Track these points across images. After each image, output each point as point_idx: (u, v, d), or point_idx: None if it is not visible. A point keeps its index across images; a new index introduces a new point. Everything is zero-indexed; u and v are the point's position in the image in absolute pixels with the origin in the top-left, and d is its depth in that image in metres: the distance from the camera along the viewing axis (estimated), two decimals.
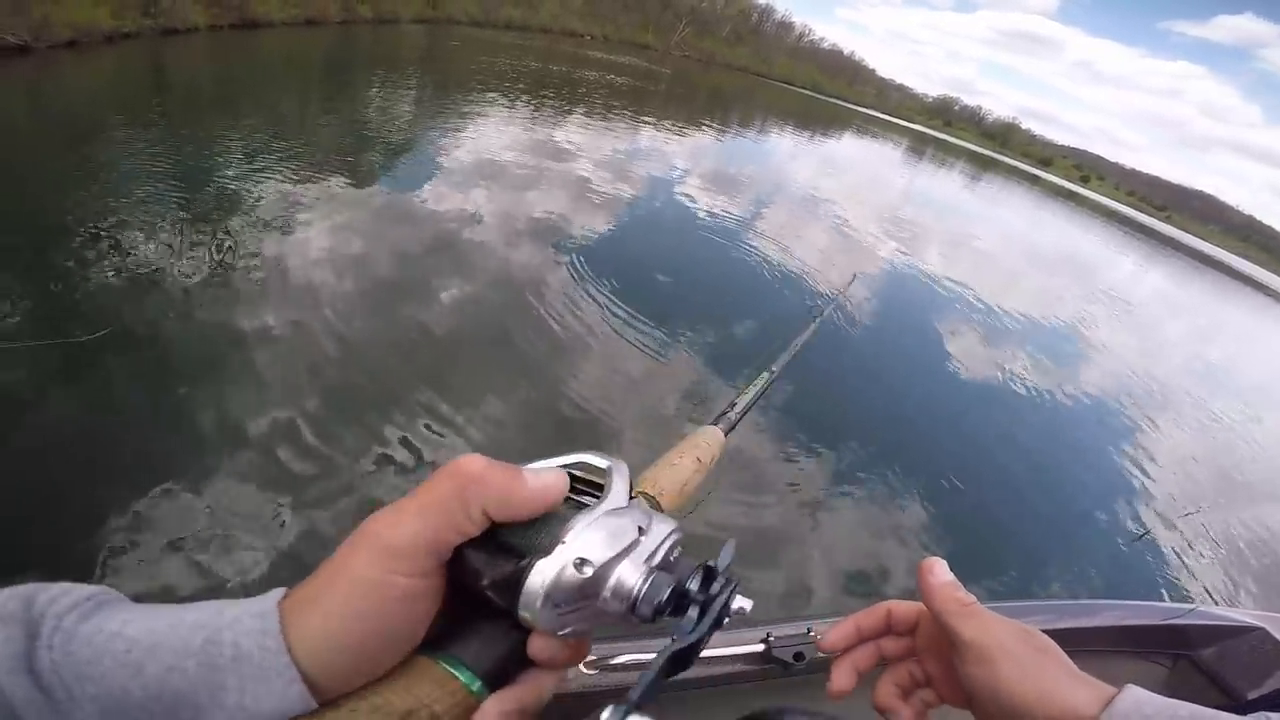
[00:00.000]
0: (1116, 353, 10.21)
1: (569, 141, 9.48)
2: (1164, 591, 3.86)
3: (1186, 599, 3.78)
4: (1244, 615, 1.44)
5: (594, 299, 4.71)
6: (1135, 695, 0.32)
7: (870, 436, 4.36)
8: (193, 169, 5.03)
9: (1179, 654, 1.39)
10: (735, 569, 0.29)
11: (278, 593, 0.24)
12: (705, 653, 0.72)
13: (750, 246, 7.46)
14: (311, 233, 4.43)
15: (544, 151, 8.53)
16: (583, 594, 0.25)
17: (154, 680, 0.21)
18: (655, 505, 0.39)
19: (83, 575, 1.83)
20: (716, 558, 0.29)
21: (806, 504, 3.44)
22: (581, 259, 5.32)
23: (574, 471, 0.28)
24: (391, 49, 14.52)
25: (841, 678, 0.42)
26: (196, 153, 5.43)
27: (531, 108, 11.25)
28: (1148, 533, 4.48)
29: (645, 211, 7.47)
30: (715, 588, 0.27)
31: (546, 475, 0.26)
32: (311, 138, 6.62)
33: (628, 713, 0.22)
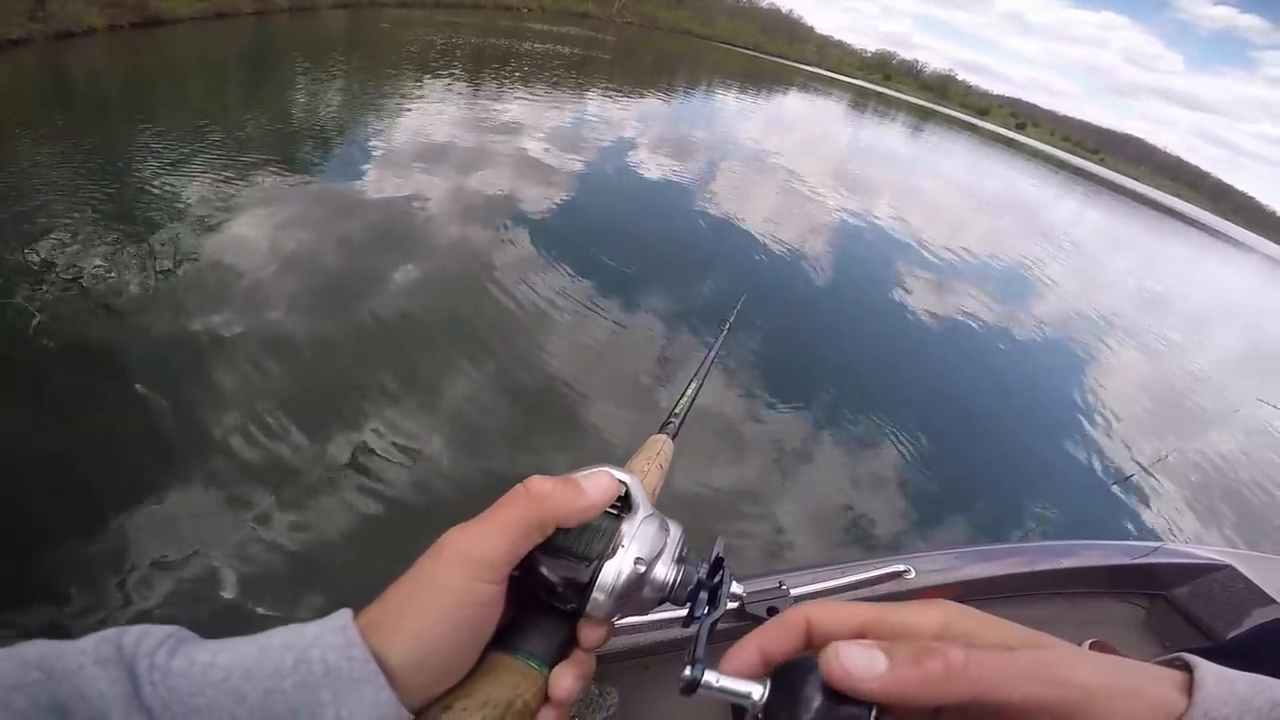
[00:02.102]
0: (1068, 289, 10.62)
1: (514, 116, 9.16)
2: (1130, 527, 3.97)
3: (1153, 536, 3.90)
4: (1210, 552, 1.48)
5: (546, 278, 4.59)
6: (1213, 671, 0.25)
7: (833, 389, 4.42)
8: (112, 179, 4.67)
9: (1154, 594, 1.43)
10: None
11: (345, 611, 0.26)
12: (677, 612, 0.73)
13: (703, 213, 7.36)
14: (248, 231, 4.21)
15: (488, 128, 8.21)
16: (636, 587, 0.30)
17: (257, 705, 0.22)
18: None
19: (62, 592, 1.87)
20: (710, 550, 0.35)
21: (780, 458, 3.50)
22: (531, 237, 5.17)
23: None
24: (315, 37, 13.69)
25: (744, 656, 0.30)
26: (113, 162, 5.03)
27: (472, 85, 10.82)
28: (1117, 472, 4.63)
29: (596, 184, 7.29)
30: (718, 576, 0.33)
31: (600, 479, 0.31)
32: (238, 135, 6.18)
33: (702, 667, 0.27)
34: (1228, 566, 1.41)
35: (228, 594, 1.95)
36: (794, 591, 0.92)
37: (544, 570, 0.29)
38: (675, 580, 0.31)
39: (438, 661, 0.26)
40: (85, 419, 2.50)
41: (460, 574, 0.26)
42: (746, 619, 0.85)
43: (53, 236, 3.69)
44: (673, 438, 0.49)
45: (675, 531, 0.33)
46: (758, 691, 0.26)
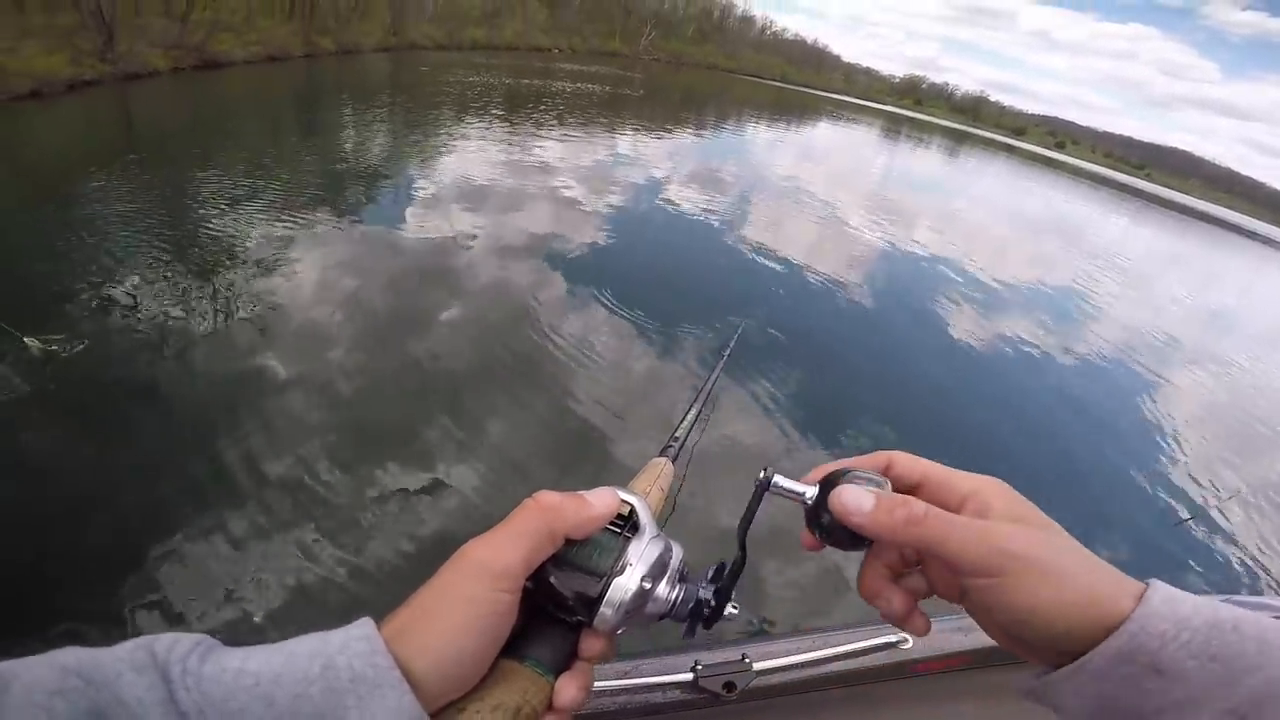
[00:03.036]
0: (1120, 312, 10.04)
1: (549, 156, 9.27)
2: (1189, 577, 3.59)
3: (1217, 589, 3.50)
4: (1260, 602, 1.27)
5: (590, 312, 4.59)
6: (1164, 591, 0.28)
7: (885, 418, 4.25)
8: (178, 217, 4.87)
9: None
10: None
11: (367, 619, 0.27)
12: (631, 680, 0.75)
13: (732, 248, 7.21)
14: (304, 272, 4.30)
15: (524, 167, 8.31)
16: (641, 604, 0.32)
17: (285, 709, 0.24)
18: None
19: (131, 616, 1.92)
20: (713, 568, 0.37)
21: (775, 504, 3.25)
22: (575, 275, 5.15)
23: None
24: (360, 79, 14.33)
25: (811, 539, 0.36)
26: (179, 200, 5.25)
27: (509, 124, 11.06)
28: (1188, 518, 4.21)
29: (628, 222, 7.23)
30: (715, 598, 0.35)
31: (604, 496, 0.33)
32: (292, 175, 6.43)
33: (772, 470, 0.36)
34: None
35: (268, 619, 1.99)
36: (757, 666, 0.84)
37: (555, 583, 0.31)
38: (677, 598, 0.33)
39: (457, 669, 0.27)
40: (140, 450, 2.57)
41: (480, 585, 0.28)
42: (700, 692, 0.77)
43: (120, 273, 3.82)
44: (673, 461, 0.50)
45: (678, 552, 0.35)
46: (811, 492, 0.35)
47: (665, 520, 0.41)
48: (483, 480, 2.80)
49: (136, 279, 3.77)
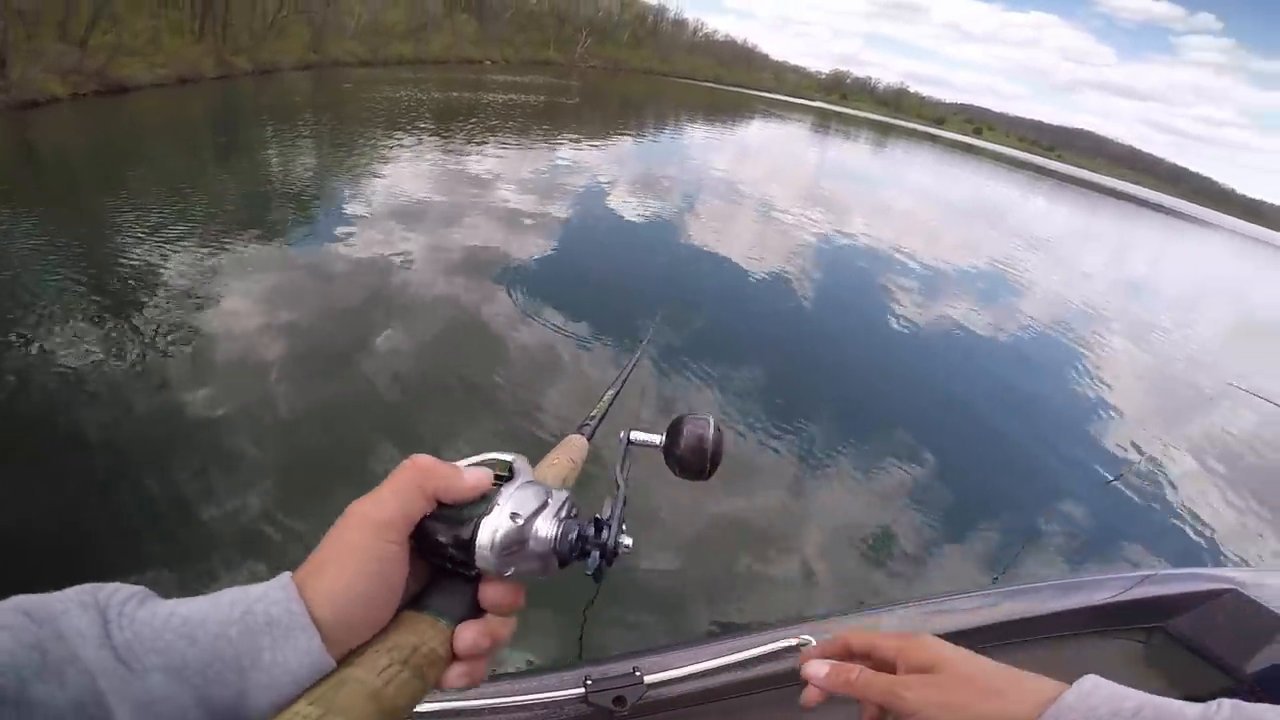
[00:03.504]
0: (1050, 285, 10.68)
1: (486, 167, 9.13)
2: (1118, 542, 3.76)
3: (1148, 550, 3.70)
4: (1208, 575, 1.38)
5: (537, 324, 4.56)
6: (1087, 684, 0.36)
7: (819, 403, 4.36)
8: (93, 251, 4.57)
9: (1151, 627, 1.33)
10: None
11: (288, 573, 0.30)
12: (522, 698, 0.76)
13: (679, 245, 7.33)
14: (235, 301, 4.12)
15: (462, 181, 8.16)
16: (518, 539, 0.32)
17: (206, 647, 0.27)
18: None
19: None
20: (602, 511, 0.39)
21: (762, 474, 3.41)
22: (519, 287, 5.09)
23: (486, 466, 0.36)
24: (280, 99, 13.76)
25: (814, 694, 0.46)
26: (93, 233, 4.92)
27: (441, 138, 10.84)
28: (1116, 478, 4.48)
29: (572, 228, 7.19)
30: (605, 534, 0.37)
31: (477, 472, 0.34)
32: (214, 201, 6.12)
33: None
34: (1229, 590, 1.29)
35: None
36: (648, 679, 0.84)
37: (432, 531, 0.32)
38: (557, 534, 0.34)
39: (352, 613, 0.29)
40: (67, 496, 2.45)
41: (365, 534, 0.30)
42: (590, 707, 0.78)
43: (32, 314, 3.55)
44: (589, 438, 0.54)
45: (560, 496, 0.35)
46: (659, 439, 0.46)
47: (566, 487, 0.44)
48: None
49: (52, 319, 3.52)
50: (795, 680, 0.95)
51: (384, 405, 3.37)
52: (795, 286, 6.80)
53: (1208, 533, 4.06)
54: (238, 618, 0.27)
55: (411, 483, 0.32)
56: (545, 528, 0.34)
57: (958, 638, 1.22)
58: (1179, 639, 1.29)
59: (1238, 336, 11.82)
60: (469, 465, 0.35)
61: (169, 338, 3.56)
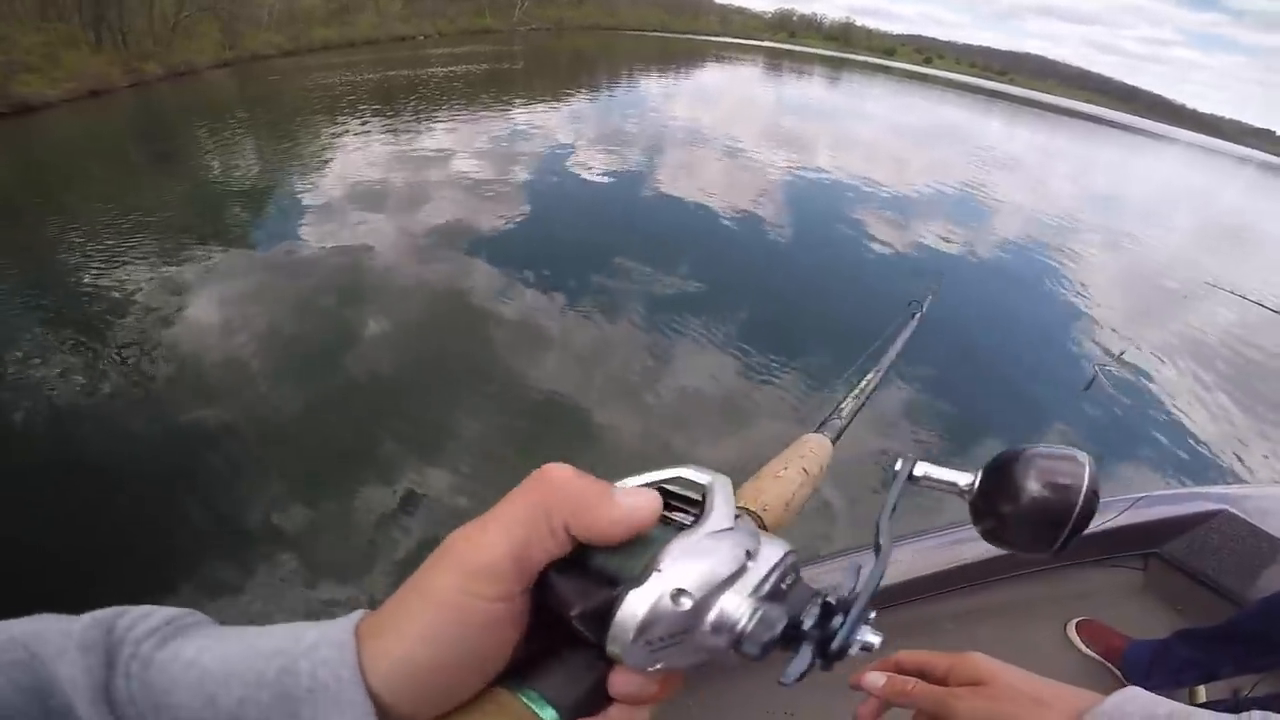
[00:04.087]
0: (1020, 201, 10.64)
1: (438, 143, 8.67)
2: (1114, 459, 3.68)
3: (1137, 466, 3.64)
4: (1199, 494, 1.36)
5: (514, 292, 4.44)
6: (1126, 693, 0.39)
7: (790, 325, 4.35)
8: (46, 279, 4.31)
9: (1148, 553, 1.32)
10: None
11: (358, 615, 0.23)
12: None
13: (658, 197, 7.08)
14: (205, 311, 3.96)
15: (416, 160, 7.73)
16: (680, 628, 0.22)
17: (227, 712, 0.21)
18: (759, 523, 0.35)
19: None
20: (841, 583, 0.26)
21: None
22: (493, 258, 4.92)
23: (670, 488, 0.26)
24: (204, 99, 12.84)
25: (874, 678, 0.49)
26: (41, 260, 4.62)
27: (386, 119, 10.21)
28: (1093, 379, 4.48)
29: (541, 193, 6.93)
30: (836, 622, 0.24)
31: (637, 494, 0.24)
32: (160, 212, 5.70)
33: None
34: (1221, 511, 1.27)
35: None
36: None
37: (558, 592, 0.22)
38: (751, 622, 0.22)
39: (424, 690, 0.22)
40: (95, 521, 2.42)
41: (455, 588, 0.21)
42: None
43: (11, 347, 3.37)
44: (834, 440, 0.42)
45: (772, 553, 0.24)
46: (966, 480, 0.33)
47: (794, 512, 0.34)
48: (461, 478, 2.67)
49: (17, 354, 3.36)
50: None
51: (384, 394, 3.29)
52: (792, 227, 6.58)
53: (1194, 443, 4.03)
54: (273, 677, 0.21)
55: (535, 511, 0.22)
56: (733, 610, 0.22)
57: (958, 575, 1.11)
58: (1175, 564, 1.28)
59: (1208, 241, 11.97)
60: (638, 486, 0.25)
61: (144, 357, 3.43)
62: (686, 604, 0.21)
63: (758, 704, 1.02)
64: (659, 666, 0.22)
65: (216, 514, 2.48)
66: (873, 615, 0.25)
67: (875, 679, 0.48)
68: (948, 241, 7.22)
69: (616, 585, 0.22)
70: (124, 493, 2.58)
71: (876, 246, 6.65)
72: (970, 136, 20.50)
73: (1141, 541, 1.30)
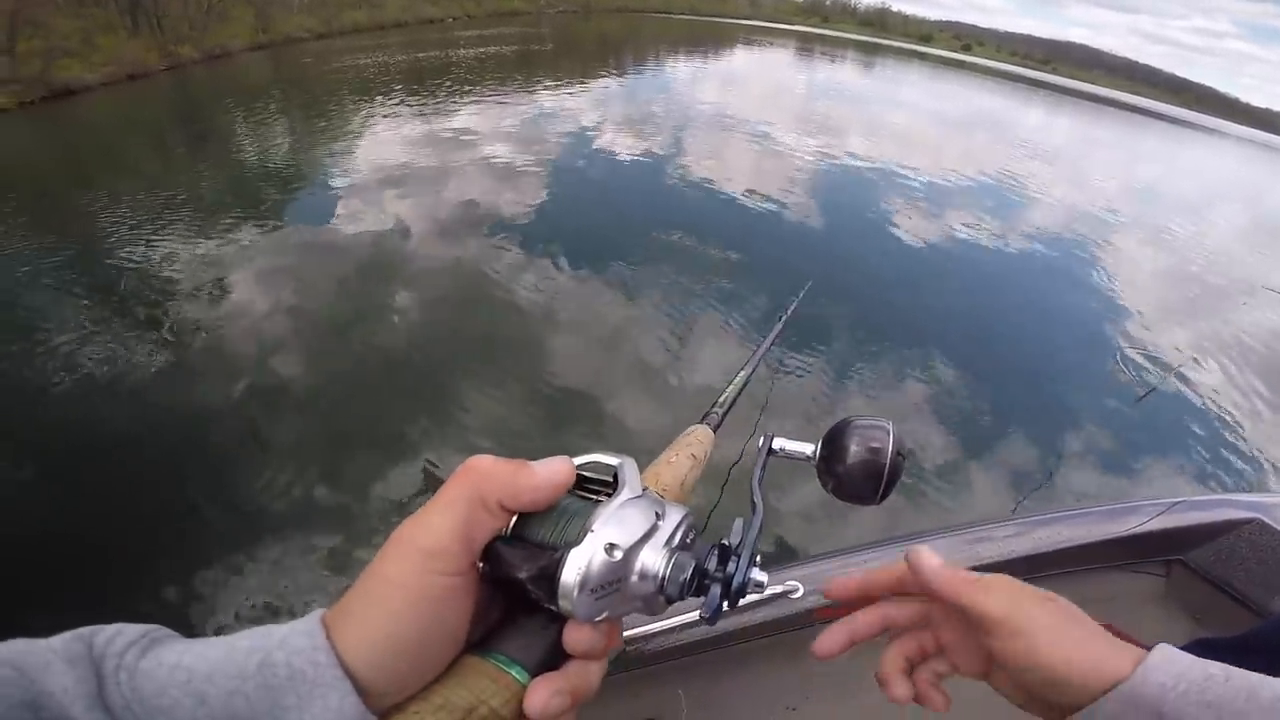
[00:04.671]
0: (1068, 196, 10.20)
1: (472, 124, 8.66)
2: (1151, 463, 3.57)
3: (1174, 472, 3.50)
4: (1231, 502, 1.28)
5: (546, 274, 4.46)
6: (1166, 651, 0.34)
7: (834, 318, 4.27)
8: (91, 259, 4.40)
9: (1171, 559, 1.26)
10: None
11: (319, 612, 0.25)
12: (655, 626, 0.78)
13: (685, 181, 6.97)
14: (242, 289, 4.03)
15: (448, 143, 7.70)
16: (614, 578, 0.26)
17: (218, 706, 0.22)
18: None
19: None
20: (729, 536, 0.32)
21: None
22: (525, 241, 4.92)
23: (585, 472, 0.30)
24: (239, 82, 12.95)
25: (832, 638, 0.41)
26: (85, 240, 4.71)
27: (418, 100, 10.19)
28: (1147, 393, 4.28)
29: (573, 176, 6.93)
30: (732, 565, 0.30)
31: (551, 462, 0.28)
32: (198, 192, 5.80)
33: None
34: (1254, 520, 1.19)
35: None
36: (627, 633, 0.80)
37: (504, 559, 0.26)
38: (666, 570, 0.27)
39: (400, 664, 0.24)
40: (120, 493, 2.49)
41: (409, 566, 0.24)
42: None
43: (49, 327, 3.45)
44: (714, 429, 0.47)
45: (675, 514, 0.29)
46: (811, 449, 0.37)
47: (686, 492, 0.38)
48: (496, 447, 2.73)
49: (68, 329, 3.45)
50: (803, 623, 0.89)
51: (419, 372, 3.34)
52: (813, 206, 6.58)
53: (1237, 453, 3.83)
54: (254, 670, 0.23)
55: (468, 494, 0.26)
56: (652, 560, 0.27)
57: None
58: (1199, 572, 1.23)
59: (1266, 242, 11.35)
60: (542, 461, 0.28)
61: (184, 333, 3.51)
62: (618, 555, 0.26)
63: (761, 701, 1.01)
64: (604, 616, 0.26)
65: (238, 491, 2.52)
66: (758, 559, 0.30)
67: (932, 556, 0.39)
68: (987, 232, 6.94)
69: (557, 550, 0.26)
70: (151, 466, 2.64)
71: (904, 229, 6.46)
72: (1011, 126, 19.77)
73: (1166, 547, 1.26)
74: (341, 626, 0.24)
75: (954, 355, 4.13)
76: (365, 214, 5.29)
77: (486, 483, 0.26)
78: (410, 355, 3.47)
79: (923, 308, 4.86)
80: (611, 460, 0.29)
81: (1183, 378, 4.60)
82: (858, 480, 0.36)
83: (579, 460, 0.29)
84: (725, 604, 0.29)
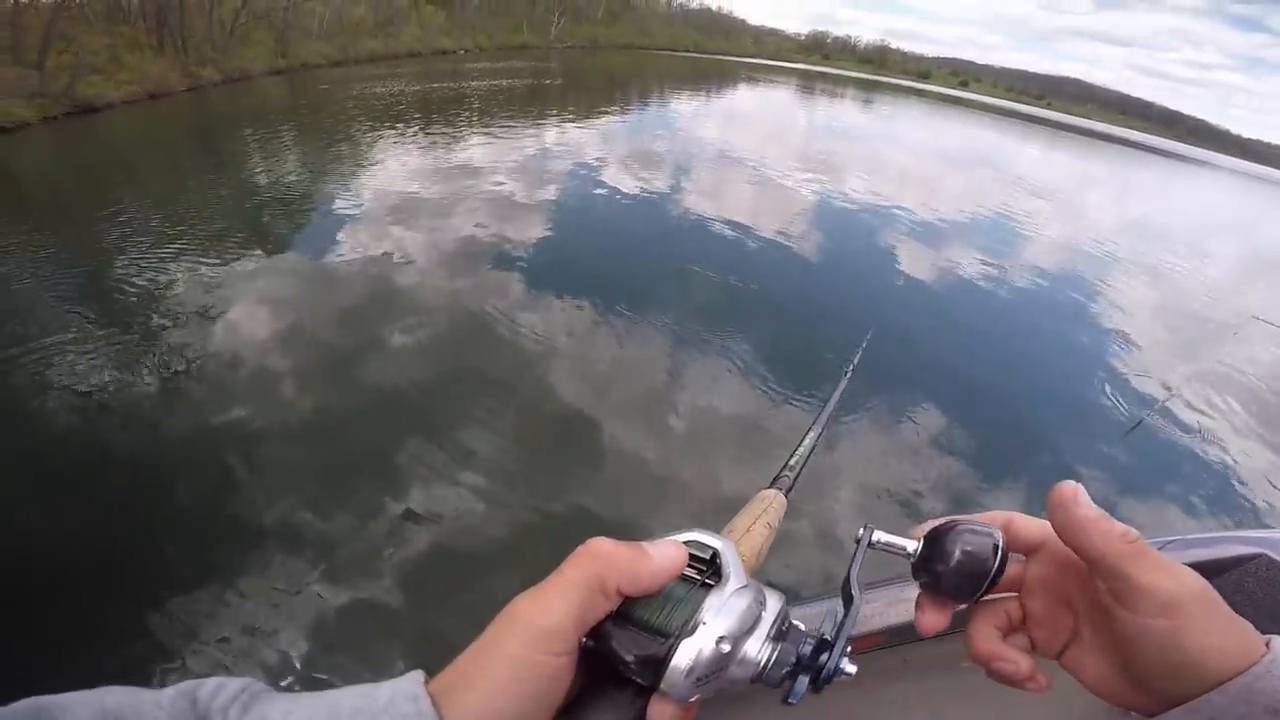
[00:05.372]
0: (1059, 230, 10.36)
1: (482, 159, 8.78)
2: (1148, 500, 3.56)
3: (1172, 508, 3.50)
4: (1235, 538, 1.27)
5: (550, 307, 4.45)
6: None
7: (824, 351, 4.28)
8: (97, 276, 4.45)
9: None
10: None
11: (418, 674, 0.25)
12: None
13: (692, 218, 7.05)
14: (244, 314, 4.05)
15: (459, 173, 7.83)
16: (719, 667, 0.28)
17: None
18: None
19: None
20: (821, 624, 0.33)
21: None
22: (530, 276, 4.93)
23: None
24: (256, 106, 13.27)
25: (932, 611, 0.36)
26: (93, 258, 4.77)
27: (430, 131, 10.43)
28: (1136, 424, 4.30)
29: (578, 211, 6.95)
30: (825, 656, 0.31)
31: (667, 548, 0.29)
32: (208, 214, 5.88)
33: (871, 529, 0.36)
34: (1260, 555, 1.18)
35: (294, 667, 1.97)
36: None
37: (614, 644, 0.27)
38: (769, 660, 0.29)
39: None
40: (130, 517, 2.49)
41: (525, 644, 0.25)
42: None
43: (47, 344, 3.46)
44: (785, 493, 0.47)
45: (774, 604, 0.30)
46: (913, 546, 0.36)
47: (761, 562, 0.38)
48: (487, 498, 2.67)
49: (68, 348, 3.46)
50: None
51: (416, 406, 3.31)
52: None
53: (1233, 485, 3.83)
54: None
55: (588, 579, 0.27)
56: (754, 650, 0.28)
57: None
58: None
59: (1258, 273, 11.50)
60: (664, 542, 0.30)
61: (183, 357, 3.50)
62: (726, 648, 0.27)
63: (767, 700, 1.00)
64: (695, 698, 0.28)
65: (234, 514, 2.51)
66: (849, 649, 0.31)
67: (1074, 491, 0.33)
68: (973, 270, 7.03)
69: (666, 636, 0.27)
70: (152, 487, 2.63)
71: (901, 264, 6.53)
72: (1006, 163, 20.18)
73: None
74: (448, 697, 0.24)
75: (942, 389, 4.12)
76: (371, 243, 5.27)
77: (607, 568, 0.27)
78: (410, 387, 3.42)
79: (909, 337, 4.89)
80: (712, 541, 0.31)
81: (1174, 413, 4.59)
82: (956, 581, 0.35)
83: (681, 537, 0.31)
84: (811, 689, 0.30)
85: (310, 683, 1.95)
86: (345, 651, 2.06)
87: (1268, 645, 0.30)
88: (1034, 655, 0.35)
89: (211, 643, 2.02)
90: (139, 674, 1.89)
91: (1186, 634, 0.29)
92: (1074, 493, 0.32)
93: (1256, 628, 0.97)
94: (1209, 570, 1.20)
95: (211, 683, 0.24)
